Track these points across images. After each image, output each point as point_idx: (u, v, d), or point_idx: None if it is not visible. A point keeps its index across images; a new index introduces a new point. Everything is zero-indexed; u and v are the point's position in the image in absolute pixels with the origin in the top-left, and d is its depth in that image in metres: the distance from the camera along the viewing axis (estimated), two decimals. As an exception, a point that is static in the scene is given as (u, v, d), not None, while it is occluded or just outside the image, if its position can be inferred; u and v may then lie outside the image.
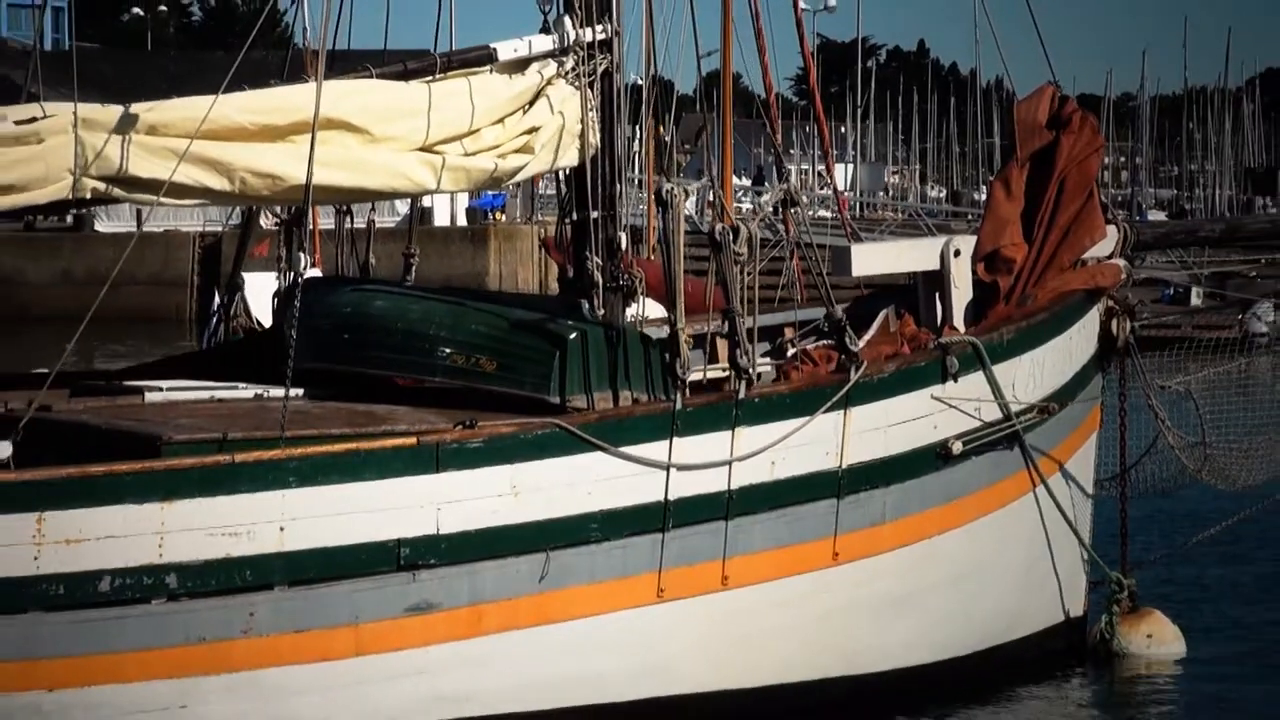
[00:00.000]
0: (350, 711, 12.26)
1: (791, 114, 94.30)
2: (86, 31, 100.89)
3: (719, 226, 13.34)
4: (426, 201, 59.24)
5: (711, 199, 23.76)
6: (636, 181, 45.53)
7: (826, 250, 15.16)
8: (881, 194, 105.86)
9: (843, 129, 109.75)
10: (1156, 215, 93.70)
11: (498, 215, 64.28)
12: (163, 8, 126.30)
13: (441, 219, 63.50)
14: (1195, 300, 42.75)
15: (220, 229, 43.44)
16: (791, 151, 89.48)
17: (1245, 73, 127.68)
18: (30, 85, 13.13)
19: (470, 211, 65.17)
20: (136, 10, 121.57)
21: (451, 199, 60.92)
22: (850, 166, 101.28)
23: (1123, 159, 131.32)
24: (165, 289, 52.13)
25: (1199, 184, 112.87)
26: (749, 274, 13.58)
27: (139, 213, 49.56)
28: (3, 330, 44.31)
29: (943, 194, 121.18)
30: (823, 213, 56.29)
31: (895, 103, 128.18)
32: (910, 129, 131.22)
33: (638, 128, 39.75)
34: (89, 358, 34.79)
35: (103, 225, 58.22)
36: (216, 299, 15.88)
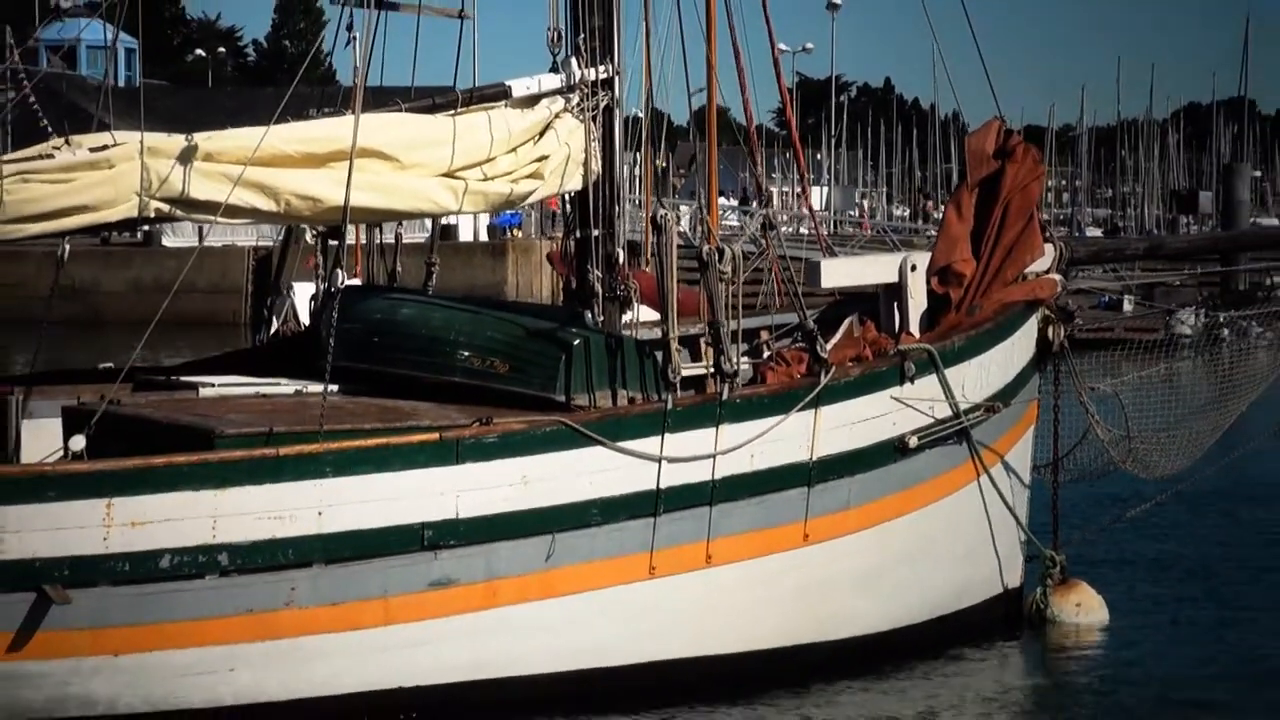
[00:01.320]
0: (379, 675, 12.26)
1: (773, 143, 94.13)
2: (155, 71, 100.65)
3: (706, 248, 13.34)
4: (451, 220, 59.30)
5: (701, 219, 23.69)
6: (636, 202, 45.46)
7: (801, 264, 15.15)
8: (852, 213, 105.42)
9: (819, 156, 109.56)
10: (1093, 232, 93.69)
11: (515, 232, 64.23)
12: (221, 50, 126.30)
13: (465, 235, 63.45)
14: (1127, 307, 42.70)
15: (271, 243, 43.41)
16: (773, 175, 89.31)
17: (1170, 106, 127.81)
18: (101, 115, 13.16)
19: (491, 228, 65.11)
20: (199, 51, 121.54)
21: (474, 217, 60.87)
22: (825, 189, 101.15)
23: (1064, 182, 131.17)
24: (223, 296, 51.95)
25: (1130, 204, 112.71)
26: (733, 289, 13.59)
27: (200, 229, 49.52)
28: (81, 333, 44.16)
29: (907, 213, 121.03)
30: (800, 229, 56.31)
31: (865, 133, 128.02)
32: (878, 156, 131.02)
33: (637, 155, 39.71)
34: (156, 356, 34.65)
35: (169, 240, 58.15)
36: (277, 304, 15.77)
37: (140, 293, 52.30)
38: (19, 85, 13.46)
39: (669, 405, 12.96)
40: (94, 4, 14.27)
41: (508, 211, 57.49)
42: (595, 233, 14.00)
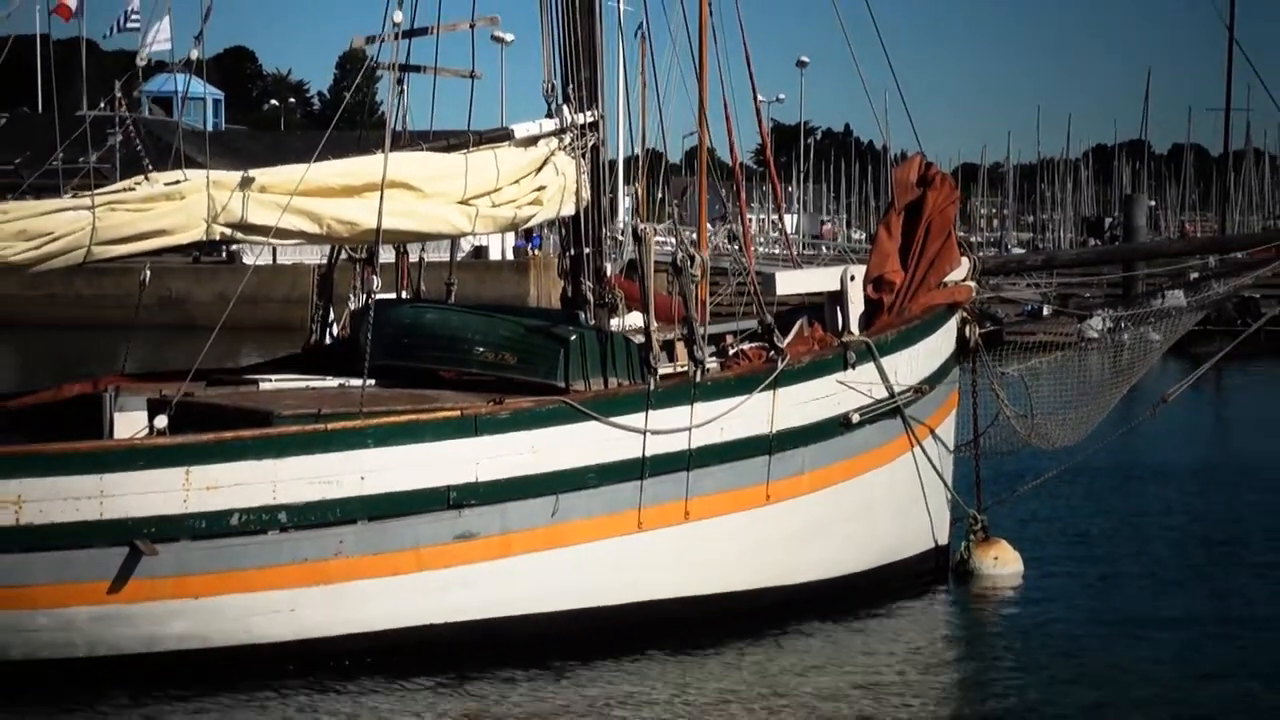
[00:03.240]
0: (414, 613, 12.30)
1: (752, 177, 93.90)
2: (238, 117, 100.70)
3: (679, 254, 13.39)
4: (483, 241, 59.28)
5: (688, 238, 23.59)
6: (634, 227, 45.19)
7: (762, 275, 15.18)
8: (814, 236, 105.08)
9: (790, 188, 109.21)
10: (1018, 251, 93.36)
11: (535, 252, 64.17)
12: (292, 100, 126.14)
13: (495, 254, 63.49)
14: (1046, 313, 42.72)
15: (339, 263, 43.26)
16: (752, 204, 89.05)
17: (1081, 147, 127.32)
18: (190, 153, 13.22)
19: (516, 249, 65.08)
20: (274, 102, 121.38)
21: (501, 240, 60.85)
22: (795, 216, 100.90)
23: (994, 210, 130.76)
24: (293, 306, 51.74)
25: (1049, 229, 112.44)
26: (703, 290, 13.64)
27: (274, 250, 49.52)
28: (177, 336, 44.28)
29: (864, 235, 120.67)
30: (775, 249, 56.17)
31: (828, 169, 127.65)
32: (839, 188, 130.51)
33: (635, 187, 39.71)
34: (239, 353, 34.71)
35: (248, 259, 58.00)
36: (331, 313, 15.84)
37: (225, 302, 52.17)
38: (124, 129, 13.56)
39: (652, 386, 13.00)
40: (187, 61, 14.31)
41: (536, 236, 58.04)
42: (586, 251, 14.00)
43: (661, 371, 13.18)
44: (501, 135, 13.84)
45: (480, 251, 61.04)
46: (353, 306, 15.35)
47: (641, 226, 13.48)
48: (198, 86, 68.66)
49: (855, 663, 12.81)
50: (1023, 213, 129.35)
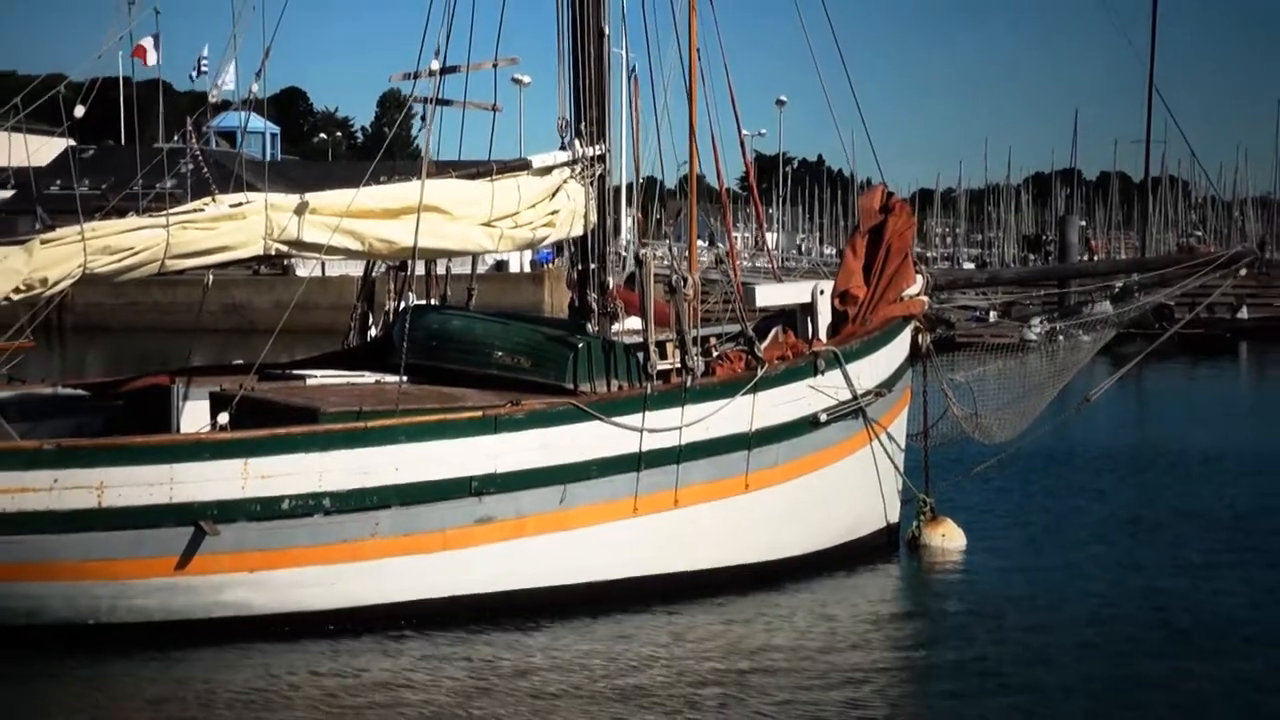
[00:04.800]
0: (440, 587, 12.27)
1: (736, 201, 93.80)
2: (291, 149, 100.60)
3: (675, 276, 13.36)
4: (503, 257, 59.15)
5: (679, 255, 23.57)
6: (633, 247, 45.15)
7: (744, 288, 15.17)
8: (793, 252, 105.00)
9: (771, 210, 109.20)
10: (969, 265, 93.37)
11: (550, 265, 64.10)
12: (338, 134, 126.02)
13: (514, 267, 63.41)
14: (993, 318, 42.74)
15: (375, 274, 43.12)
16: (737, 224, 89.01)
17: (1022, 174, 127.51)
18: (250, 179, 13.23)
19: (533, 263, 65.00)
20: (322, 135, 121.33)
21: (520, 255, 60.76)
22: (775, 235, 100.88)
23: (947, 229, 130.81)
24: (340, 311, 51.56)
25: (995, 246, 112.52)
26: (695, 307, 13.61)
27: (323, 263, 49.42)
28: (238, 338, 44.21)
29: (834, 251, 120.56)
30: (759, 263, 56.08)
31: (803, 194, 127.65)
32: (813, 210, 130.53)
33: (633, 210, 39.73)
34: (292, 352, 34.57)
35: (301, 271, 57.89)
36: (370, 316, 15.85)
37: (281, 309, 51.93)
38: (194, 159, 13.65)
39: (648, 391, 12.97)
40: (247, 100, 14.39)
41: (545, 250, 58.02)
42: (593, 266, 14.00)
43: (657, 366, 13.14)
44: (521, 165, 13.84)
45: (501, 265, 60.97)
46: (388, 310, 15.34)
47: (643, 252, 13.46)
48: (258, 122, 68.67)
49: (817, 625, 12.77)
50: (972, 231, 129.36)
